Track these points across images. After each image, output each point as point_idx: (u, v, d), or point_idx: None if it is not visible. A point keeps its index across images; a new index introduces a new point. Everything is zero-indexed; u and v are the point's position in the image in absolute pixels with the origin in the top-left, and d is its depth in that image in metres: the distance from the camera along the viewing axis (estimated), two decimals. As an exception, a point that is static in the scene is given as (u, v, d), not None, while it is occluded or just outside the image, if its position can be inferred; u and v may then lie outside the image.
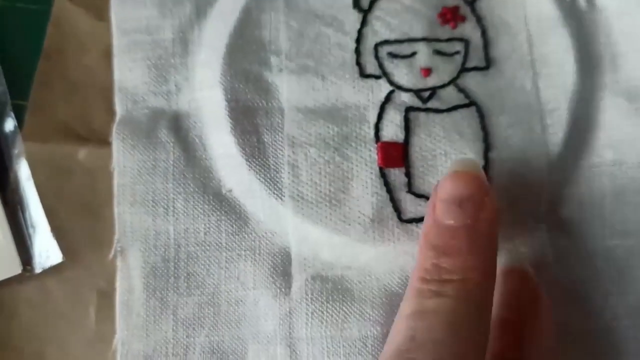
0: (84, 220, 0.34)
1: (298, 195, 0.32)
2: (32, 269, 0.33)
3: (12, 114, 0.35)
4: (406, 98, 0.33)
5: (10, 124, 0.35)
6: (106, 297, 0.33)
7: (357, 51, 0.33)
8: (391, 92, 0.33)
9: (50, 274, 0.33)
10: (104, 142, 0.34)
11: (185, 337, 0.32)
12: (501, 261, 0.32)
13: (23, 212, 0.34)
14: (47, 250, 0.33)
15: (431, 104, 0.33)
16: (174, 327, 0.32)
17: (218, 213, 0.33)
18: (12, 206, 0.34)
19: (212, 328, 0.32)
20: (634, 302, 0.32)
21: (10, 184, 0.35)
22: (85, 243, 0.33)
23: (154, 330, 0.32)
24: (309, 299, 0.32)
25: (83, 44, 0.35)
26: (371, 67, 0.33)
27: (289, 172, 0.32)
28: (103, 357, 0.32)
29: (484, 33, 0.34)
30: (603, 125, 0.33)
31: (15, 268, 0.33)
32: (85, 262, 0.33)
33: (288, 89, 0.33)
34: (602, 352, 0.32)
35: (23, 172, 0.34)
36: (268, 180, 0.32)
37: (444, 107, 0.32)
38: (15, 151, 0.34)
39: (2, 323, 0.33)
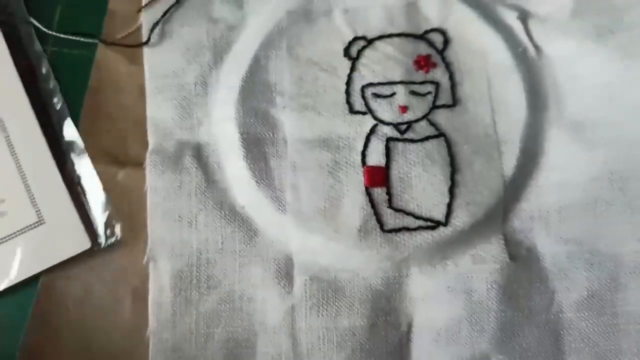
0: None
1: (298, 210, 0.38)
2: (100, 244, 0.39)
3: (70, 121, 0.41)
4: (387, 130, 0.39)
5: (70, 127, 0.41)
6: (139, 294, 0.38)
7: (347, 92, 0.40)
8: (375, 125, 0.39)
9: (92, 274, 0.39)
10: (139, 166, 0.40)
11: (205, 328, 0.38)
12: (466, 264, 0.38)
13: (86, 197, 0.40)
14: (110, 228, 0.39)
15: (407, 135, 0.39)
16: (196, 320, 0.38)
17: (232, 226, 0.39)
18: (77, 193, 0.40)
19: (228, 321, 0.38)
20: (575, 298, 0.37)
21: (71, 172, 0.40)
22: (122, 250, 0.39)
23: (180, 323, 0.38)
24: (308, 297, 0.38)
25: (120, 84, 0.42)
26: (359, 105, 0.39)
27: (291, 192, 0.38)
28: (138, 344, 0.38)
29: (451, 77, 0.40)
30: (549, 153, 0.39)
31: (85, 244, 0.38)
32: (122, 265, 0.39)
33: (290, 123, 0.39)
34: (549, 339, 0.37)
35: (85, 165, 0.40)
36: (274, 198, 0.39)
37: (418, 137, 0.39)
38: (76, 148, 0.41)
39: (56, 315, 0.38)
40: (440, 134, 0.39)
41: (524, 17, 0.41)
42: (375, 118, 0.39)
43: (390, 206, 0.38)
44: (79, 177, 0.40)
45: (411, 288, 0.38)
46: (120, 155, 0.41)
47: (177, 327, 0.38)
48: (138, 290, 0.38)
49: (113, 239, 0.39)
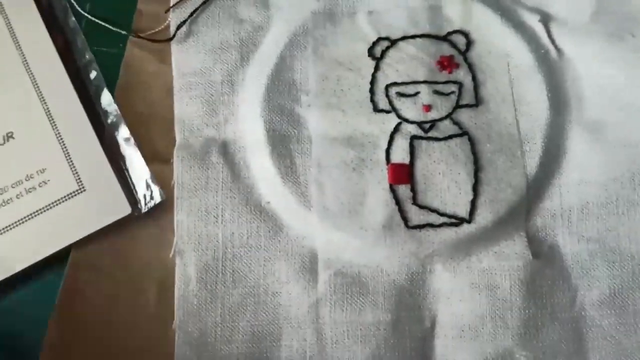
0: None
1: (323, 207, 0.39)
2: (140, 209, 0.40)
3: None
4: (411, 129, 0.40)
5: (107, 96, 0.42)
6: (164, 287, 0.39)
7: (372, 91, 0.41)
8: (399, 124, 0.40)
9: (118, 267, 0.39)
10: (166, 161, 0.41)
11: (230, 321, 0.38)
12: (489, 261, 0.38)
13: (125, 164, 0.41)
14: (149, 193, 0.40)
15: (431, 134, 0.39)
16: (222, 314, 0.38)
17: (258, 221, 0.40)
18: (115, 160, 0.41)
19: (253, 314, 0.38)
20: (597, 297, 0.38)
21: (109, 140, 0.41)
22: (147, 243, 0.40)
23: (206, 316, 0.38)
24: (332, 291, 0.38)
25: (149, 82, 0.43)
26: (383, 103, 0.40)
27: (316, 188, 0.39)
28: (164, 336, 0.38)
29: (474, 77, 0.40)
30: (571, 152, 0.39)
31: (125, 209, 0.39)
32: (147, 259, 0.40)
33: (315, 121, 0.40)
34: (572, 337, 0.37)
35: (122, 133, 0.41)
36: (299, 194, 0.39)
37: (441, 136, 0.39)
38: (113, 117, 0.42)
39: (79, 303, 0.39)
40: (463, 133, 0.39)
41: (546, 19, 0.42)
42: (399, 117, 0.40)
43: (415, 203, 0.38)
44: (117, 144, 0.41)
45: (435, 284, 0.38)
46: (148, 151, 0.41)
47: (203, 320, 0.38)
48: (162, 282, 0.39)
49: (152, 203, 0.40)
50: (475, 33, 0.41)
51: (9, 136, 0.41)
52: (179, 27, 0.43)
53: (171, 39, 0.43)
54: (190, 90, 0.42)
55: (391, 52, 0.41)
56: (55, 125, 0.41)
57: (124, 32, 0.43)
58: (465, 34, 0.41)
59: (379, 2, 0.42)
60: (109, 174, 0.40)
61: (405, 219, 0.38)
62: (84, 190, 0.40)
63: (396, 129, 0.40)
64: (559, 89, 0.41)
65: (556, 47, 0.41)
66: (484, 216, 0.38)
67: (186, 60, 0.42)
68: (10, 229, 0.40)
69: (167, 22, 0.43)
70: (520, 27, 0.41)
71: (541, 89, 0.40)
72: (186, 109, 0.42)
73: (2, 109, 0.42)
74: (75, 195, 0.40)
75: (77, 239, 0.39)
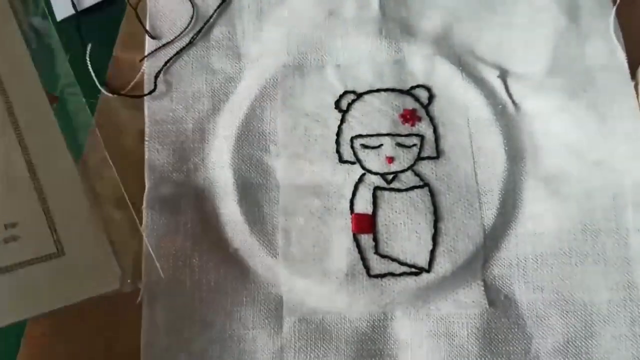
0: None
1: (289, 254, 0.40)
2: (131, 284, 0.37)
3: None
4: (374, 179, 0.41)
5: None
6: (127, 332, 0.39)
7: (337, 142, 0.42)
8: (363, 174, 0.41)
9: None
10: (137, 207, 0.41)
11: None
12: (447, 309, 0.39)
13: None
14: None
15: (394, 185, 0.41)
16: (188, 359, 0.39)
17: (225, 267, 0.40)
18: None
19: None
20: (552, 345, 0.39)
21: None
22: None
23: None
24: (297, 337, 0.39)
25: (122, 128, 0.44)
26: (348, 155, 0.42)
27: (282, 236, 0.40)
28: None
29: (435, 130, 0.42)
30: (526, 204, 0.41)
31: (113, 282, 0.36)
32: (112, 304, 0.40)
33: (283, 170, 0.42)
34: None
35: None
36: (266, 242, 0.40)
37: (403, 187, 0.41)
38: None
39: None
40: (424, 184, 0.41)
41: (504, 75, 0.43)
42: (363, 168, 0.41)
43: (377, 252, 0.40)
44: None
45: (396, 331, 0.39)
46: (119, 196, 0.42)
47: (169, 365, 0.39)
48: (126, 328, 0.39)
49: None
50: (437, 87, 0.43)
51: None
52: (155, 80, 0.44)
53: (149, 94, 0.44)
54: (161, 137, 0.43)
55: (357, 105, 0.43)
56: (34, 171, 0.37)
57: (100, 87, 0.44)
58: (428, 89, 0.43)
59: (347, 57, 0.44)
60: (96, 237, 0.36)
61: (367, 268, 0.39)
62: (62, 255, 0.36)
63: (360, 180, 0.41)
64: (516, 142, 0.42)
65: (513, 101, 0.43)
66: (443, 266, 0.39)
67: (159, 108, 0.44)
68: None
69: (142, 71, 0.45)
70: (479, 82, 0.43)
71: (499, 142, 0.42)
72: (157, 156, 0.43)
73: None
74: (50, 258, 0.36)
75: (45, 311, 0.35)
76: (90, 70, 0.44)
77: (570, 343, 0.39)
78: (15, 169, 0.37)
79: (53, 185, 0.37)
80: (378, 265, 0.40)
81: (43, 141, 0.38)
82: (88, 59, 0.44)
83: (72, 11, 0.46)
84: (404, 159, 0.41)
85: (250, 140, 0.42)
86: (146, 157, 0.43)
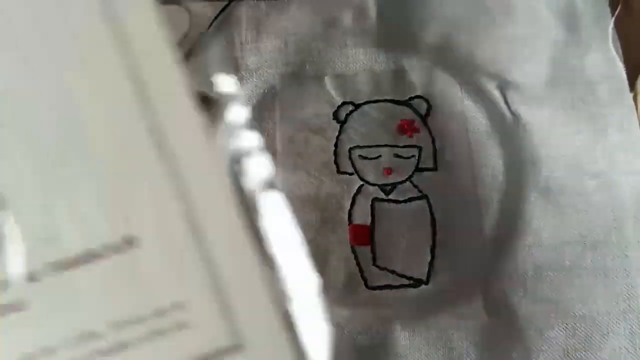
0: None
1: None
2: None
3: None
4: (373, 191, 0.41)
5: None
6: None
7: (336, 153, 0.42)
8: (361, 185, 0.41)
9: None
10: None
11: None
12: (446, 321, 0.39)
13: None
14: None
15: (392, 196, 0.41)
16: None
17: None
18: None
19: None
20: (551, 357, 0.39)
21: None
22: None
23: None
24: (294, 350, 0.39)
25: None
26: (346, 166, 0.42)
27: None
28: None
29: (434, 141, 0.42)
30: (526, 215, 0.41)
31: None
32: None
33: (282, 182, 0.42)
34: None
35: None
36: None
37: (401, 198, 0.41)
38: None
39: None
40: (423, 196, 0.41)
41: (503, 85, 0.43)
42: (361, 179, 0.41)
43: (375, 264, 0.40)
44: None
45: (394, 343, 0.39)
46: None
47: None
48: None
49: None
50: (436, 98, 0.43)
51: (131, 242, 0.25)
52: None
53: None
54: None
55: (355, 116, 0.43)
56: (205, 238, 0.25)
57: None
58: (426, 99, 0.43)
59: (345, 67, 0.44)
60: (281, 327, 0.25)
61: (364, 280, 0.39)
62: (241, 347, 0.25)
63: (358, 191, 0.41)
64: (515, 153, 0.42)
65: (512, 113, 0.43)
66: (442, 278, 0.39)
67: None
68: None
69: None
70: (478, 94, 0.43)
71: (498, 154, 0.42)
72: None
73: (128, 199, 0.24)
74: (227, 352, 0.25)
75: None
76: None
77: (570, 355, 0.39)
78: (177, 226, 0.26)
79: (225, 250, 0.26)
80: (376, 277, 0.39)
81: (209, 190, 0.26)
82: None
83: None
84: (403, 170, 0.41)
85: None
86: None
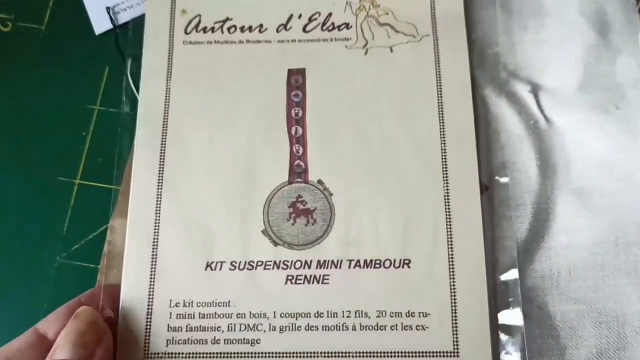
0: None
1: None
2: None
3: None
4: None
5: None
6: None
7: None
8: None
9: None
10: None
11: None
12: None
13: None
14: None
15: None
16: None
17: None
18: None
19: None
20: (585, 355, 0.40)
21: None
22: None
23: None
24: None
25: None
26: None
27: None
28: None
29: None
30: (558, 217, 0.42)
31: None
32: None
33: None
34: None
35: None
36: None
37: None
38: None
39: None
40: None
41: (535, 90, 0.44)
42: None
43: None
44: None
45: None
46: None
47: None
48: None
49: None
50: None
51: (407, 263, 0.39)
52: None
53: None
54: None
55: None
56: (452, 259, 0.39)
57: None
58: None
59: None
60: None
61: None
62: (456, 356, 0.38)
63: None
64: (548, 156, 0.43)
65: (545, 116, 0.44)
66: (478, 278, 0.40)
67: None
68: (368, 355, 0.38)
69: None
70: (512, 98, 0.44)
71: (530, 157, 0.43)
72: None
73: (412, 227, 0.40)
74: (445, 356, 0.38)
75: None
76: (132, 85, 0.45)
77: (603, 354, 0.40)
78: (439, 262, 0.39)
79: (464, 281, 0.39)
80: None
81: (465, 234, 0.40)
82: (129, 74, 0.45)
83: (110, 25, 0.47)
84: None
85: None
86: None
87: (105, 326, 0.37)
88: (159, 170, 0.41)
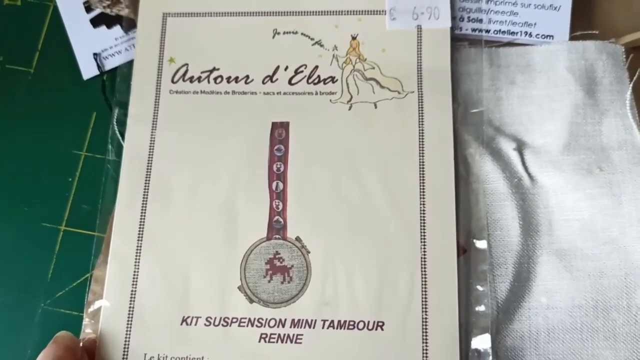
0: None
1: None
2: None
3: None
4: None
5: None
6: None
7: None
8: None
9: None
10: None
11: None
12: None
13: None
14: None
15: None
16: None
17: None
18: None
19: None
20: (561, 417, 0.40)
21: None
22: None
23: None
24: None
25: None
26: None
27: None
28: None
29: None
30: (539, 277, 0.42)
31: None
32: None
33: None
34: None
35: None
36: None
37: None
38: None
39: None
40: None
41: (520, 147, 0.44)
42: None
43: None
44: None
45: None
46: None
47: None
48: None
49: None
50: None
51: (380, 326, 0.40)
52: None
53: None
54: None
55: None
56: (426, 323, 0.40)
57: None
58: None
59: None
60: None
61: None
62: None
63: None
64: (531, 215, 0.43)
65: (529, 175, 0.44)
66: (457, 338, 0.40)
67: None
68: None
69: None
70: (496, 155, 0.44)
71: (513, 216, 0.43)
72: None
73: (387, 289, 0.40)
74: None
75: None
76: (117, 132, 0.45)
77: (579, 417, 0.40)
78: (412, 325, 0.40)
79: (437, 346, 0.39)
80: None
81: (440, 298, 0.40)
82: (114, 121, 0.45)
83: (97, 72, 0.47)
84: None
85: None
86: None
87: (82, 352, 0.38)
88: (140, 223, 0.41)
